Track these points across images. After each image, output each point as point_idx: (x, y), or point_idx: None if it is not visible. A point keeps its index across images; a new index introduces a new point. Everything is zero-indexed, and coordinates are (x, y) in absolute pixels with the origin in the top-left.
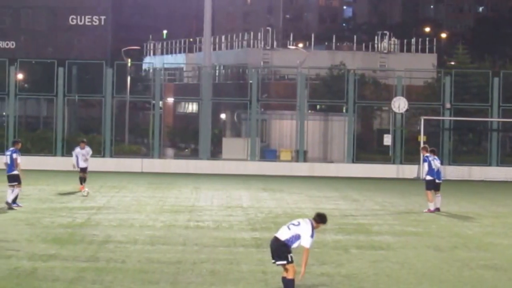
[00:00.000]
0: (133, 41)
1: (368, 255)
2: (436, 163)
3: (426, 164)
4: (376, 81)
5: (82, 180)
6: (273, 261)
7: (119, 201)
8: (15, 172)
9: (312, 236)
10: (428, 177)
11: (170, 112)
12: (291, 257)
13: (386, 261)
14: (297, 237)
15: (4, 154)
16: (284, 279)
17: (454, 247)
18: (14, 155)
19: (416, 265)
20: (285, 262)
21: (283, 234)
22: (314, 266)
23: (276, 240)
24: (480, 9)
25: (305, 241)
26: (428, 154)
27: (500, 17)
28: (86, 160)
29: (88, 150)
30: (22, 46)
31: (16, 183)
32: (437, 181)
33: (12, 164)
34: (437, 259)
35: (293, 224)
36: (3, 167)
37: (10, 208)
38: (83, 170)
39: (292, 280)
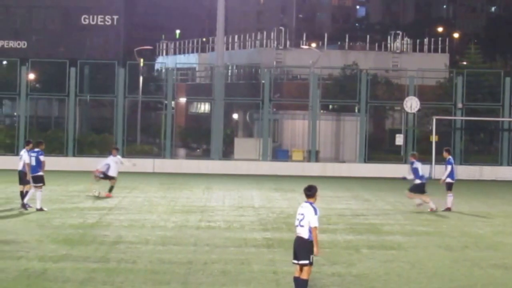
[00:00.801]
0: (145, 41)
1: (379, 255)
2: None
3: (415, 169)
4: (388, 81)
5: (111, 188)
6: (295, 261)
7: (130, 202)
8: (40, 173)
9: (316, 213)
10: (418, 181)
11: (182, 112)
12: (313, 258)
13: (397, 261)
14: (310, 227)
15: (18, 154)
16: (297, 279)
17: (464, 246)
18: (41, 157)
19: (427, 264)
20: (307, 262)
21: (303, 232)
22: (325, 266)
23: (300, 239)
24: (493, 8)
25: (312, 222)
26: (414, 160)
27: None
28: (118, 167)
29: (120, 157)
30: (33, 46)
31: (41, 184)
32: (449, 180)
33: (38, 165)
34: (447, 258)
35: (301, 220)
36: (18, 167)
37: (25, 208)
38: (113, 178)
39: (307, 281)
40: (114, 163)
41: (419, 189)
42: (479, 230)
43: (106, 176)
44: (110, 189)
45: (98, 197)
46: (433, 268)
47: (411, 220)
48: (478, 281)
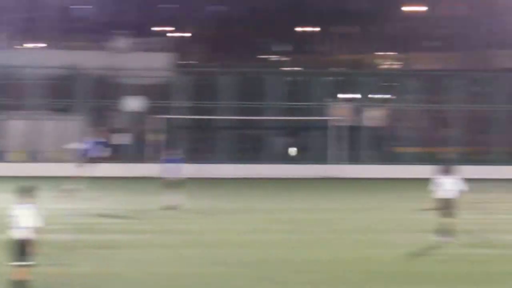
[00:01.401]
0: None
1: (98, 254)
2: None
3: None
4: (110, 81)
5: None
6: (14, 262)
7: None
8: None
9: (33, 213)
10: None
11: None
12: (30, 258)
13: (116, 260)
14: (28, 228)
15: None
16: (15, 281)
17: (186, 244)
18: None
19: (144, 262)
20: (24, 262)
21: (20, 233)
22: (42, 267)
23: (18, 240)
24: (221, 8)
25: (30, 222)
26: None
27: (238, 17)
28: None
29: None
30: None
31: None
32: (174, 177)
33: None
34: (165, 256)
35: (18, 221)
36: None
37: None
38: None
39: (24, 282)
40: None
41: None
42: (201, 227)
43: None
44: None
45: None
46: (151, 267)
47: (135, 219)
48: (198, 279)
